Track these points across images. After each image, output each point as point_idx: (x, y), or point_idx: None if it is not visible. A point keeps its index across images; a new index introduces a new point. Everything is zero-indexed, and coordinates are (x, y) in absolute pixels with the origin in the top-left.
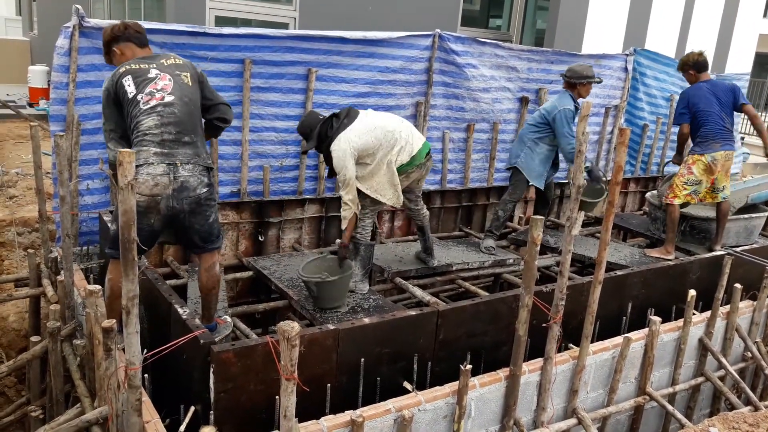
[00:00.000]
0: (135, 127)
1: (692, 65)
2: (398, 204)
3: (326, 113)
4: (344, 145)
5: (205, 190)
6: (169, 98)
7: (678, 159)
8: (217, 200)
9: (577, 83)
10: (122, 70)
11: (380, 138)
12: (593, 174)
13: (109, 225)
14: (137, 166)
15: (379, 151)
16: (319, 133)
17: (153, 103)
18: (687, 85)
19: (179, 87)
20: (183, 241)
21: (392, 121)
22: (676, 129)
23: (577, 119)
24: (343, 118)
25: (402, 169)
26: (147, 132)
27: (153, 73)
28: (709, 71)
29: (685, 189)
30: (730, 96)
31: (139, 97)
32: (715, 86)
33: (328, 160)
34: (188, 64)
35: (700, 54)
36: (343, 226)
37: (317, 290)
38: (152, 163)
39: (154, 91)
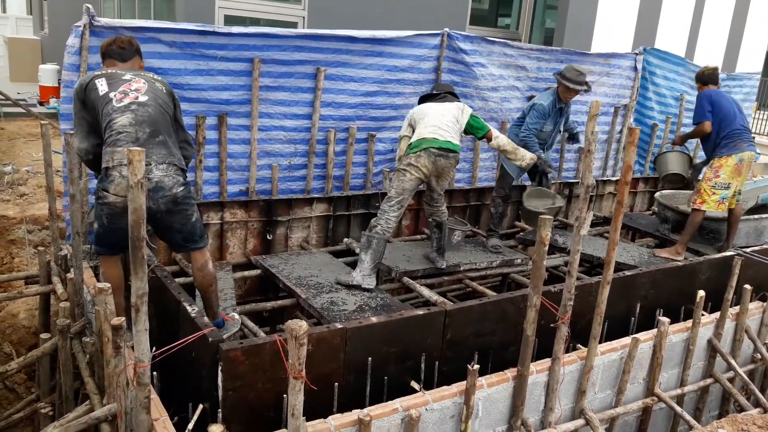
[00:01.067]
0: (108, 125)
1: (699, 78)
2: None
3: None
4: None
5: (181, 188)
6: (143, 98)
7: (680, 141)
8: (195, 199)
9: (561, 83)
10: (97, 73)
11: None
12: (541, 171)
13: (90, 223)
14: (111, 168)
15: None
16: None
17: (127, 101)
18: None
19: (153, 90)
20: (167, 241)
21: (437, 111)
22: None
23: (566, 120)
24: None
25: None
26: (121, 131)
27: (128, 76)
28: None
29: (714, 194)
30: (737, 104)
31: (111, 94)
32: (727, 95)
33: None
34: (165, 82)
35: (714, 69)
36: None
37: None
38: (126, 164)
39: (128, 90)
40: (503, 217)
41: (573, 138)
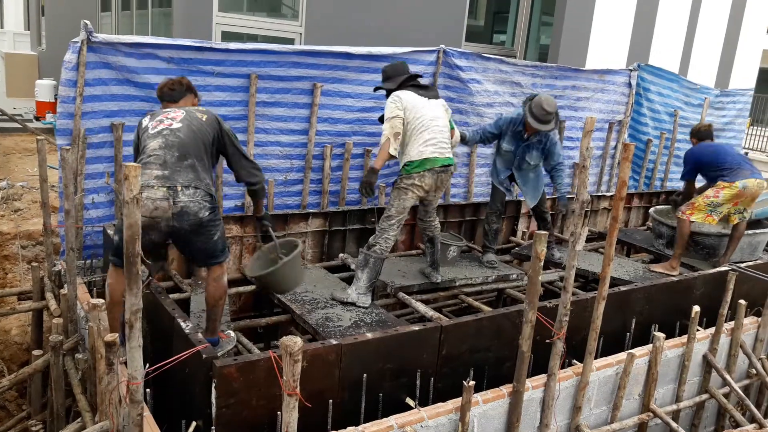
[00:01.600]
0: (142, 150)
1: (694, 134)
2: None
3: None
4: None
5: (207, 213)
6: (176, 125)
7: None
8: (221, 219)
9: (529, 119)
10: (149, 114)
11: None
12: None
13: (112, 235)
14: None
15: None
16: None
17: (160, 128)
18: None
19: (189, 119)
20: (186, 256)
21: (433, 120)
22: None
23: (546, 150)
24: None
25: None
26: (151, 154)
27: (170, 109)
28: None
29: (705, 209)
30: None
31: (149, 124)
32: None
33: None
34: (209, 113)
35: (709, 126)
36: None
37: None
38: (152, 186)
39: (165, 119)
40: (498, 233)
41: (554, 183)
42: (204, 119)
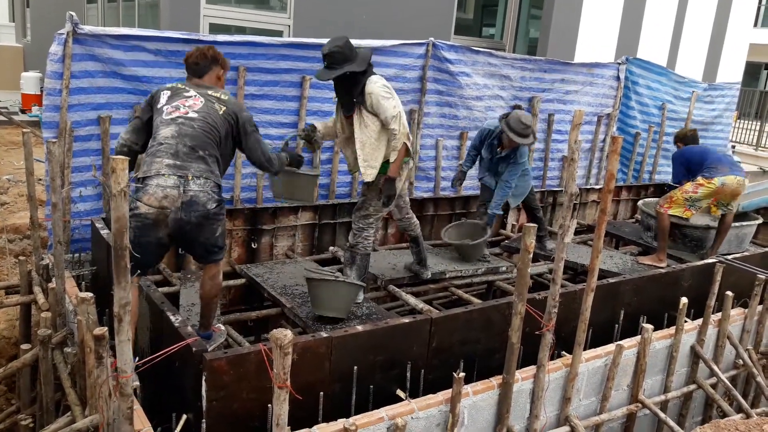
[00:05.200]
0: (154, 135)
1: (680, 138)
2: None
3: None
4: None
5: (214, 205)
6: (192, 114)
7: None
8: (225, 214)
9: (503, 129)
10: (170, 85)
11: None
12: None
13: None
14: (148, 177)
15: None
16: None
17: (175, 115)
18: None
19: (207, 109)
20: (188, 251)
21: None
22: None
23: (509, 166)
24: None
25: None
26: (163, 142)
27: (190, 93)
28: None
29: (683, 204)
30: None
31: (165, 107)
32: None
33: (355, 101)
34: (234, 104)
35: (695, 131)
36: (392, 159)
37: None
38: (163, 175)
39: (181, 105)
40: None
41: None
42: (222, 112)
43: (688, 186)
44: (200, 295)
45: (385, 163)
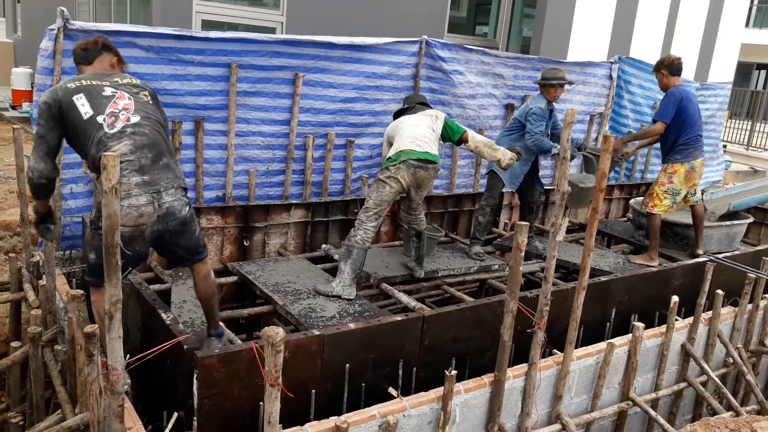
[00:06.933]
0: (100, 153)
1: (667, 66)
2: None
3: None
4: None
5: (187, 209)
6: (134, 118)
7: (628, 140)
8: (194, 212)
9: (547, 84)
10: (71, 85)
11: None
12: (577, 151)
13: (87, 253)
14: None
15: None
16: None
17: (119, 125)
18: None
19: (142, 105)
20: (169, 259)
21: (411, 122)
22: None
23: (554, 122)
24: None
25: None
26: (122, 159)
27: (108, 91)
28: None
29: (665, 198)
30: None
31: (99, 119)
32: (694, 96)
33: None
34: (145, 84)
35: (678, 59)
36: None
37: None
38: (134, 195)
39: (116, 111)
40: (489, 225)
41: (579, 148)
42: (150, 100)
43: (662, 177)
44: (198, 298)
45: (385, 162)
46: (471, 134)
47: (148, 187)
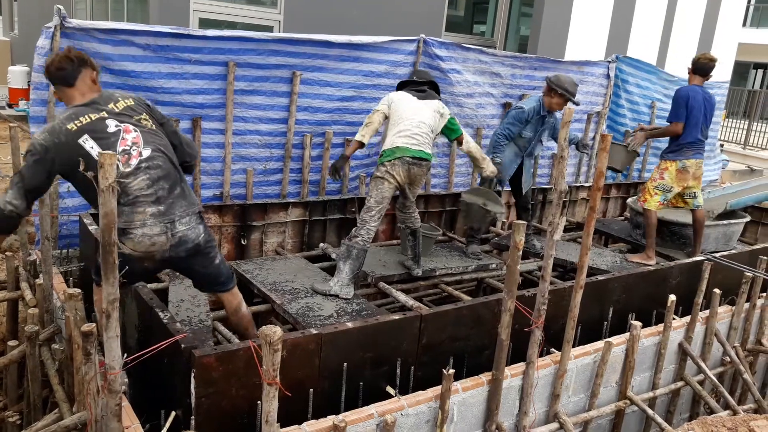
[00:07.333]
0: (122, 190)
1: (693, 62)
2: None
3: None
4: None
5: (203, 235)
6: (146, 152)
7: (646, 133)
8: (215, 241)
9: (554, 89)
10: (72, 127)
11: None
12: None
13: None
14: (133, 228)
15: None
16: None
17: (134, 162)
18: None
19: (148, 135)
20: (192, 280)
21: (414, 115)
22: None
23: (554, 127)
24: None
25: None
26: (139, 194)
27: (112, 126)
28: (705, 78)
29: (656, 194)
30: (712, 110)
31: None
32: (708, 96)
33: None
34: (139, 101)
35: (704, 57)
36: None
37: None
38: (148, 225)
39: (127, 148)
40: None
41: (577, 146)
42: (152, 124)
43: (655, 173)
44: (233, 332)
45: (380, 156)
46: (467, 138)
47: (163, 217)
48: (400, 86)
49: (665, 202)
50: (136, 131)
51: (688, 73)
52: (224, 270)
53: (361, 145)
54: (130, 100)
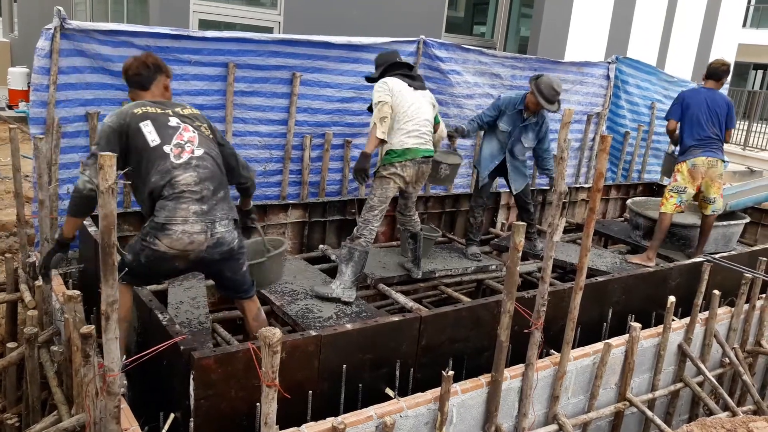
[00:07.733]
0: (168, 182)
1: (707, 67)
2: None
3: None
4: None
5: (237, 240)
6: (198, 151)
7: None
8: (246, 250)
9: (536, 90)
10: (138, 111)
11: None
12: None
13: (125, 254)
14: (174, 223)
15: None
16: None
17: (185, 156)
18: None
19: (205, 140)
20: (216, 283)
21: (418, 112)
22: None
23: (539, 136)
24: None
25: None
26: (185, 189)
27: (173, 122)
28: (719, 83)
29: (672, 196)
30: (723, 109)
31: (166, 148)
32: (713, 96)
33: None
34: (203, 117)
35: (716, 62)
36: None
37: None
38: (190, 222)
39: (182, 143)
40: (481, 226)
41: (541, 168)
42: (209, 134)
43: (671, 178)
44: (252, 338)
45: (386, 155)
46: (441, 126)
47: (205, 217)
48: (386, 67)
49: (681, 204)
50: (194, 132)
51: (703, 79)
52: (249, 277)
53: (383, 142)
54: (196, 111)
